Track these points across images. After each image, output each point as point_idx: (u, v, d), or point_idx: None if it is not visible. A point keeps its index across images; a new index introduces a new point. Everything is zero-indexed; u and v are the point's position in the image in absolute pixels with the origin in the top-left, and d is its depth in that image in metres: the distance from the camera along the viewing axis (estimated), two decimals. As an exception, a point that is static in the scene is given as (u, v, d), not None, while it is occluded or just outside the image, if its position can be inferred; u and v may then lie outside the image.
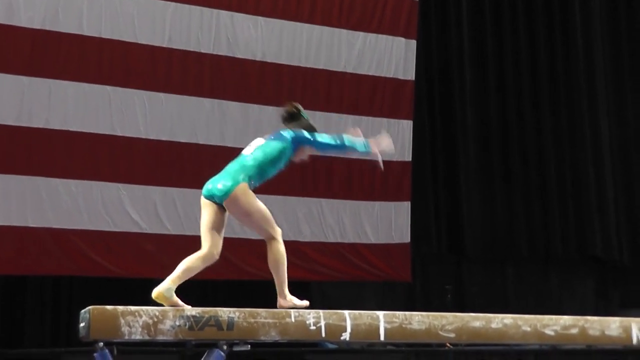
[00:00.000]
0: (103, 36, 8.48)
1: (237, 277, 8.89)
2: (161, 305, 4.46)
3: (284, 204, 8.90)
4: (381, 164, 4.98)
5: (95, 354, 4.08)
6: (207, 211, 4.73)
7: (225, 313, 4.21)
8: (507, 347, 7.99)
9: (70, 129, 8.33)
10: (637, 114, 11.38)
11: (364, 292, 10.00)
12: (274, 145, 4.83)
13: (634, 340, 4.88)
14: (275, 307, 4.53)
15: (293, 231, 8.83)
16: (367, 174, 9.45)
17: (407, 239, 9.63)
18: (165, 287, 4.43)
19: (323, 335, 4.35)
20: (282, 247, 4.73)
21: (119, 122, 8.53)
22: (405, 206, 9.74)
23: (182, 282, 4.54)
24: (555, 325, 4.76)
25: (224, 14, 9.03)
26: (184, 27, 8.86)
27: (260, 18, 9.19)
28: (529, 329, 4.70)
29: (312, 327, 4.32)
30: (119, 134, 8.51)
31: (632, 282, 11.18)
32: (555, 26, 11.12)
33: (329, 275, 9.07)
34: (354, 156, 4.91)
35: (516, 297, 10.66)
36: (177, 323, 4.11)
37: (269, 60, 9.20)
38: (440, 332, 4.52)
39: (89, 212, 8.33)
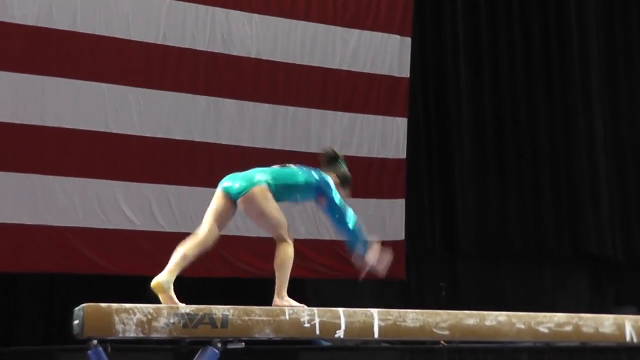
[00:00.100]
0: (97, 33, 8.47)
1: (232, 275, 8.89)
2: (156, 298, 4.46)
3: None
4: (362, 275, 4.80)
5: (89, 352, 4.08)
6: (218, 201, 4.76)
7: (219, 311, 4.21)
8: (501, 344, 8.00)
9: (65, 127, 8.32)
10: (632, 110, 11.40)
11: (359, 290, 10.00)
12: (299, 176, 4.79)
13: (628, 338, 4.89)
14: (268, 304, 4.53)
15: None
16: (362, 172, 9.45)
17: (401, 236, 9.64)
18: (165, 279, 4.45)
19: (317, 332, 4.35)
20: (291, 250, 4.71)
21: (114, 120, 8.52)
22: (400, 203, 9.75)
23: (180, 271, 4.55)
24: (549, 322, 4.76)
25: (219, 11, 9.03)
26: (178, 24, 8.85)
27: (255, 15, 9.19)
28: (523, 326, 4.70)
29: (307, 325, 4.32)
30: (114, 131, 8.51)
31: (626, 279, 11.20)
32: (550, 22, 11.13)
33: (323, 273, 9.08)
34: (344, 237, 4.82)
35: (510, 294, 10.67)
36: (171, 320, 4.11)
37: (264, 58, 9.20)
38: (435, 330, 4.53)
39: (84, 210, 8.32)
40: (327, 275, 9.27)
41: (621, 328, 4.88)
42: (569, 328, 4.79)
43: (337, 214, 4.76)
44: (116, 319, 4.03)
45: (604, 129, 11.18)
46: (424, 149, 10.57)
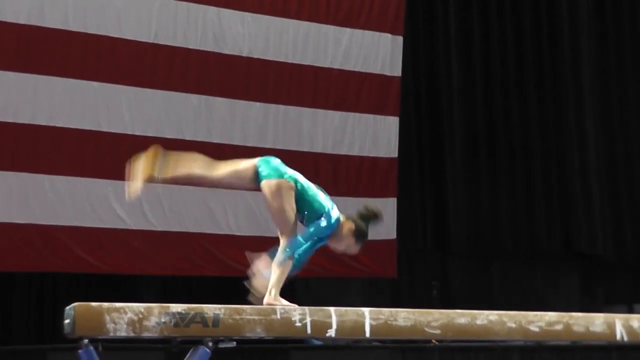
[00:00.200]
0: (89, 31, 8.45)
1: (223, 274, 8.88)
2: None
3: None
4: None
5: (80, 351, 4.07)
6: (246, 167, 4.73)
7: (210, 310, 4.20)
8: (493, 343, 8.02)
9: (56, 125, 8.30)
10: (623, 109, 11.43)
11: (350, 289, 10.01)
12: (319, 200, 4.70)
13: (618, 337, 4.90)
14: (260, 304, 4.52)
15: (280, 227, 8.82)
16: (353, 171, 9.46)
17: (393, 235, 9.65)
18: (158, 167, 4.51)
19: (309, 332, 4.35)
20: (279, 256, 4.64)
21: (105, 118, 8.50)
22: (392, 202, 9.75)
23: (176, 174, 4.60)
24: (540, 321, 4.77)
25: (211, 9, 9.02)
26: (170, 22, 8.84)
27: (247, 14, 9.18)
28: (514, 325, 4.71)
29: (298, 324, 4.32)
30: (105, 129, 8.49)
31: (616, 278, 11.24)
32: (542, 21, 11.15)
33: (315, 271, 9.06)
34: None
35: (501, 293, 10.69)
36: (163, 320, 4.10)
37: (255, 56, 9.20)
38: (426, 329, 4.53)
39: (75, 208, 8.31)
40: (318, 274, 9.26)
41: (611, 327, 4.89)
42: (559, 327, 4.80)
43: (302, 238, 4.67)
44: (107, 318, 4.02)
45: (595, 128, 11.21)
46: (415, 148, 10.58)
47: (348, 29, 9.66)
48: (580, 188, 11.01)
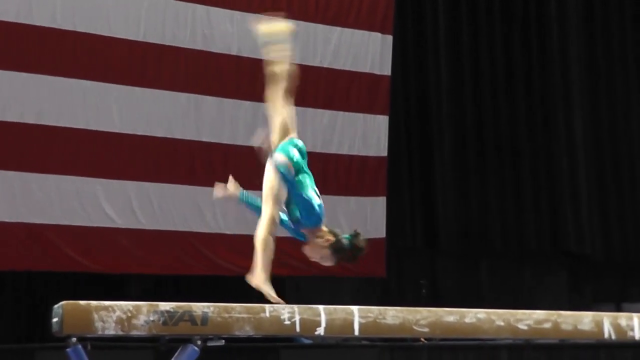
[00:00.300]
0: (78, 30, 8.43)
1: (212, 273, 8.88)
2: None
3: (260, 199, 8.89)
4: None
5: (68, 350, 4.06)
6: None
7: (199, 308, 4.20)
8: (481, 341, 8.04)
9: (45, 124, 8.28)
10: (611, 108, 11.47)
11: (340, 288, 10.02)
12: (308, 184, 4.68)
13: (606, 335, 4.91)
14: (250, 302, 4.52)
15: (269, 226, 8.81)
16: (342, 169, 9.46)
17: (382, 233, 9.67)
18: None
19: (297, 330, 4.35)
20: (263, 231, 4.63)
21: (94, 117, 8.49)
22: (381, 201, 9.77)
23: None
24: (528, 319, 4.78)
25: (200, 8, 9.01)
26: (159, 21, 8.83)
27: (236, 12, 9.17)
28: (502, 323, 4.72)
29: (287, 322, 4.32)
30: (94, 128, 8.47)
31: (604, 277, 11.28)
32: (531, 20, 11.18)
33: (304, 270, 9.07)
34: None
35: (490, 292, 10.72)
36: (151, 318, 4.09)
37: (245, 55, 9.18)
38: (415, 327, 4.54)
39: (64, 207, 8.29)
40: (307, 272, 9.26)
41: (600, 325, 4.91)
42: (548, 325, 4.82)
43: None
44: (95, 316, 4.01)
45: (583, 128, 11.25)
46: (405, 147, 10.59)
47: (337, 28, 9.67)
48: (569, 187, 11.05)
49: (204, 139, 8.92)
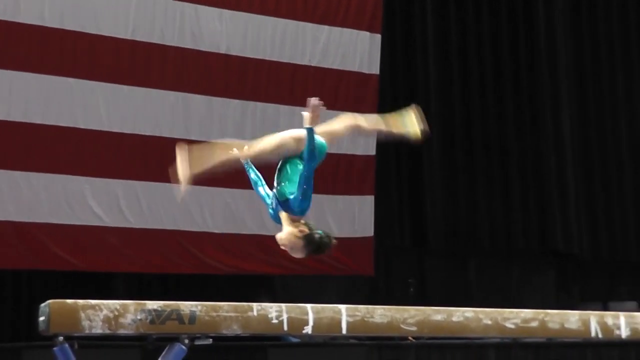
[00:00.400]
0: (65, 27, 8.40)
1: (199, 271, 8.87)
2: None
3: (250, 197, 8.86)
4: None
5: (54, 349, 4.05)
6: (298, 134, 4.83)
7: (187, 307, 4.19)
8: (469, 340, 8.05)
9: (32, 122, 8.25)
10: (599, 107, 11.51)
11: (328, 286, 10.02)
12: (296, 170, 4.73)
13: (593, 334, 4.94)
14: (236, 301, 4.51)
15: (257, 224, 8.81)
16: (331, 168, 9.45)
17: (370, 232, 9.67)
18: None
19: (285, 328, 4.35)
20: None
21: (82, 115, 8.46)
22: (369, 200, 9.77)
23: (215, 163, 4.60)
24: (515, 318, 4.80)
25: (189, 6, 8.99)
26: (148, 19, 8.80)
27: (225, 11, 9.16)
28: (490, 322, 4.74)
29: (275, 321, 4.32)
30: (82, 126, 8.45)
31: (591, 276, 11.32)
32: (518, 19, 11.21)
33: (292, 269, 9.08)
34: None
35: (478, 291, 10.74)
36: (139, 317, 4.09)
37: (233, 54, 9.18)
38: (402, 326, 4.55)
39: (51, 205, 8.27)
40: (296, 271, 9.27)
41: (586, 324, 4.93)
42: (535, 324, 4.83)
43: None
44: (82, 315, 4.00)
45: (571, 128, 11.28)
46: (393, 146, 10.59)
47: (326, 27, 9.67)
48: (557, 187, 11.08)
49: (193, 137, 8.88)
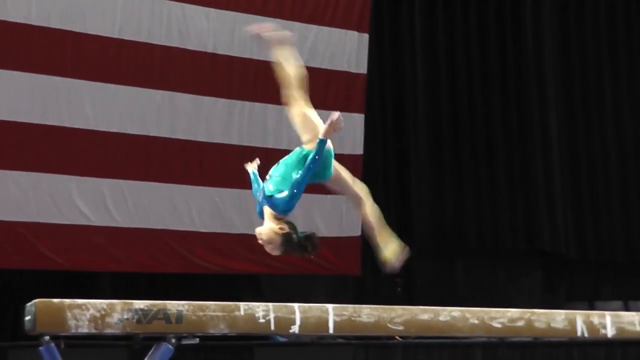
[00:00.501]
0: (52, 26, 8.37)
1: (187, 271, 8.85)
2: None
3: (238, 196, 8.87)
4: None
5: (40, 348, 4.03)
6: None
7: (173, 306, 4.19)
8: (455, 339, 8.07)
9: (18, 120, 8.21)
10: (586, 108, 11.54)
11: (315, 286, 10.02)
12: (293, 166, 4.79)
13: (579, 333, 4.96)
14: (224, 300, 4.51)
15: (245, 224, 8.79)
16: (318, 168, 9.44)
17: (357, 232, 9.66)
18: None
19: (272, 328, 4.35)
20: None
21: (68, 114, 8.43)
22: (356, 199, 9.76)
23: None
24: (502, 317, 4.81)
25: (176, 5, 8.97)
26: (134, 17, 8.78)
27: (212, 10, 9.14)
28: (476, 321, 4.75)
29: (262, 320, 4.32)
30: (68, 125, 8.41)
31: (578, 276, 11.36)
32: (506, 20, 11.23)
33: (279, 268, 9.07)
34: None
35: (465, 290, 10.76)
36: (125, 316, 4.08)
37: (220, 52, 9.16)
38: (389, 325, 4.56)
39: (37, 204, 8.23)
40: (283, 271, 9.26)
41: (572, 323, 4.95)
42: (521, 323, 4.85)
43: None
44: (69, 314, 3.99)
45: (558, 128, 11.31)
46: (380, 146, 10.61)
47: (314, 26, 9.66)
48: (544, 187, 11.10)
49: (179, 137, 8.89)
